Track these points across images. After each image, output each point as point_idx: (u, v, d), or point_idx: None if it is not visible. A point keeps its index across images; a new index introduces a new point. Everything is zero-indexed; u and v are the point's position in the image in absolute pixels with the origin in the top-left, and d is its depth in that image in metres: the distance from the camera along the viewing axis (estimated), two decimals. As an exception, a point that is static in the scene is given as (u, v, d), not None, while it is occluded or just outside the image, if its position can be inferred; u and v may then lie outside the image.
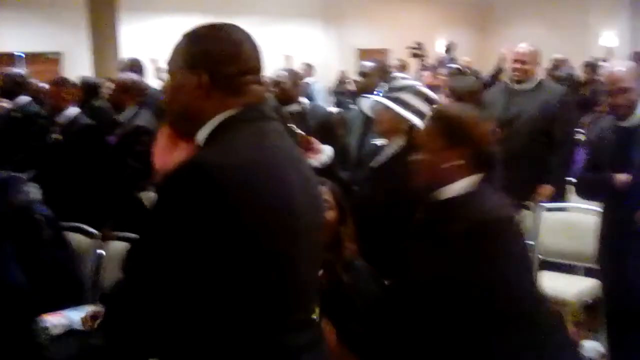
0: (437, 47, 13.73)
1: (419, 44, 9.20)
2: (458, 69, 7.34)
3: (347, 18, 15.99)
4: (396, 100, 2.73)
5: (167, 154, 1.54)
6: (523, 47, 4.40)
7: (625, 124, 3.12)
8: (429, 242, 2.01)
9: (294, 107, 4.25)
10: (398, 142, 2.79)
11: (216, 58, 1.47)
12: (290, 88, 4.28)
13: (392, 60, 9.52)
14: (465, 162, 1.99)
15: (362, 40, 15.88)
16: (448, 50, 11.25)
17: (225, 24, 1.54)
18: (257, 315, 1.41)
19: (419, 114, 2.72)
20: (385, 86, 2.99)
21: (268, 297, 1.42)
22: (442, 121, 2.07)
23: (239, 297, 1.39)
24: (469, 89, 3.84)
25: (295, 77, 4.46)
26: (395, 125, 2.76)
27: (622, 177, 3.06)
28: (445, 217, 1.97)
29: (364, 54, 14.54)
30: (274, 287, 1.42)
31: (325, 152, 2.84)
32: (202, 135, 1.49)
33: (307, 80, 10.14)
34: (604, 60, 12.95)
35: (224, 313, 1.39)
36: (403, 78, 2.86)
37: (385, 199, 2.70)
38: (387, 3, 16.35)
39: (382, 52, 15.05)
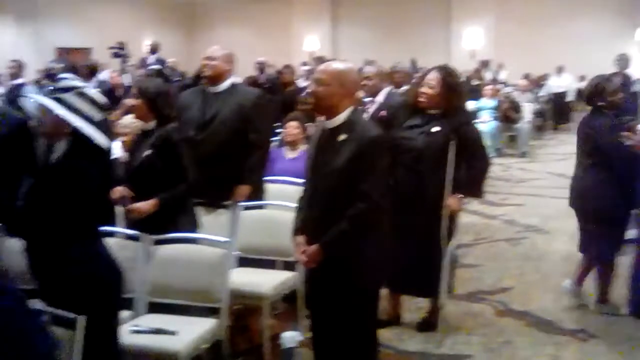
0: (145, 48, 13.52)
1: (120, 43, 8.94)
2: (156, 70, 7.24)
3: (45, 14, 14.93)
4: (59, 101, 2.62)
5: None
6: (214, 48, 4.49)
7: (329, 125, 3.17)
8: None
9: None
10: (62, 147, 2.69)
11: None
12: None
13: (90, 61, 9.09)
14: None
15: (62, 38, 14.96)
16: (152, 50, 11.10)
17: None
18: None
19: (84, 116, 2.64)
20: (48, 88, 2.86)
21: None
22: None
23: None
24: (157, 89, 3.82)
25: None
26: (58, 128, 2.65)
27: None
28: None
29: (64, 52, 13.79)
30: None
31: None
32: None
33: (18, 81, 9.04)
34: (305, 64, 13.89)
35: None
36: (69, 79, 2.74)
37: (42, 211, 2.59)
38: (91, 0, 15.67)
39: (84, 51, 14.39)
